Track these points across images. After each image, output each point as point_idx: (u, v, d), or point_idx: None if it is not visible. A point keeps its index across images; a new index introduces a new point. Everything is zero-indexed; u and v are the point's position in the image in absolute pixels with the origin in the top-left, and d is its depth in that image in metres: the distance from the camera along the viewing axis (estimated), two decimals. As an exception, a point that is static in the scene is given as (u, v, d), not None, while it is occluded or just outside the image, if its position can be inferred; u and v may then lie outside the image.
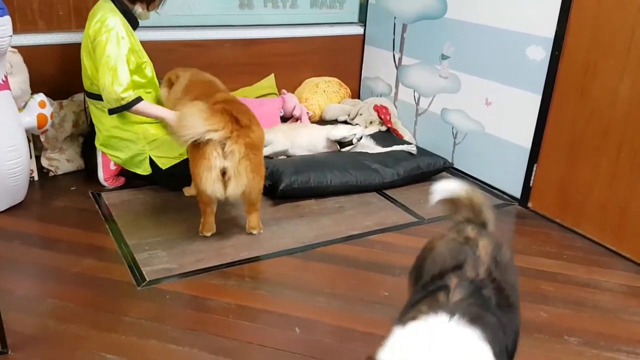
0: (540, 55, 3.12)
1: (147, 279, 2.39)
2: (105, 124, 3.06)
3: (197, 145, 2.49)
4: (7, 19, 2.53)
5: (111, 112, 2.93)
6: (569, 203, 3.08)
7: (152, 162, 3.10)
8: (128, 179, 3.27)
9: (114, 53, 2.86)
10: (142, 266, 2.48)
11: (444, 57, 3.75)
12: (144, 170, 3.13)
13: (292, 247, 2.72)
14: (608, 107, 2.82)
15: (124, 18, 2.97)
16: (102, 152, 3.16)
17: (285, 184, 3.09)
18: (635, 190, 2.75)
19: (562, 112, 3.06)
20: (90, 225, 2.82)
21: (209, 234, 2.75)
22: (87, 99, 3.19)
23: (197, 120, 2.41)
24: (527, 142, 3.26)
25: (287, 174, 3.13)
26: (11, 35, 2.60)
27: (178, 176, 3.10)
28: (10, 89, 2.78)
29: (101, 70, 2.86)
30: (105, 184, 3.21)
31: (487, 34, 3.42)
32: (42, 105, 2.99)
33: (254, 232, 2.81)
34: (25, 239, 2.67)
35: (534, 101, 3.18)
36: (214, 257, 2.60)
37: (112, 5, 2.96)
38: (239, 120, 2.52)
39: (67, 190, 3.16)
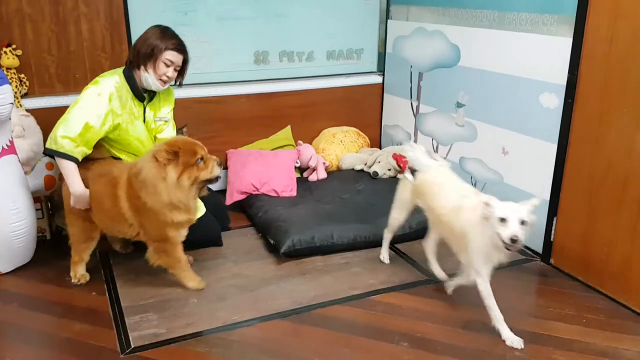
0: (554, 103, 2.96)
1: (132, 346, 2.34)
2: None
3: None
4: (7, 88, 2.61)
5: (45, 151, 2.73)
6: (592, 259, 2.85)
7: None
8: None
9: (82, 103, 2.72)
10: (130, 331, 2.44)
11: (459, 105, 3.63)
12: None
13: (287, 309, 2.62)
14: (625, 158, 2.62)
15: (126, 83, 2.80)
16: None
17: (287, 246, 3.01)
18: (659, 248, 2.51)
19: (579, 162, 2.87)
20: (90, 286, 2.82)
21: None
22: None
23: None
24: (545, 194, 3.07)
25: (290, 235, 3.05)
26: (12, 103, 2.68)
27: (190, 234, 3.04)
28: (16, 153, 2.85)
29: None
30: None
31: (500, 82, 3.29)
32: (49, 167, 3.06)
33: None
34: (23, 301, 2.69)
35: (550, 150, 3.00)
36: (205, 320, 2.53)
37: (120, 69, 2.84)
38: None
39: (76, 249, 3.20)
